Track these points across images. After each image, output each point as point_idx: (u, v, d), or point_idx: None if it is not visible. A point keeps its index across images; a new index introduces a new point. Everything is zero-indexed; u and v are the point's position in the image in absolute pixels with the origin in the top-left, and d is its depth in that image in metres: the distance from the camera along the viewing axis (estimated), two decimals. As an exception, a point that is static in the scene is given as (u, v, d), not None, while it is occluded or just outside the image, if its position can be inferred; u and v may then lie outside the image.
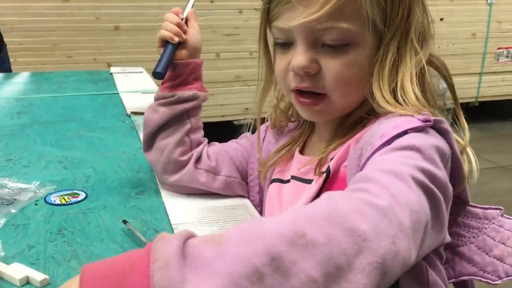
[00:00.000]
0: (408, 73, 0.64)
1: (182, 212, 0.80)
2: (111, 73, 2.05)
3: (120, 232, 0.73)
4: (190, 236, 0.41)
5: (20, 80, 1.95)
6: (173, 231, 0.73)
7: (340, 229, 0.40)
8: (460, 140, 0.65)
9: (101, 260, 0.41)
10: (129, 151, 1.09)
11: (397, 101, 0.63)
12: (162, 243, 0.39)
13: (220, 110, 3.59)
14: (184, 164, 0.83)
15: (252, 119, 0.82)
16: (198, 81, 0.85)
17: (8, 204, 0.79)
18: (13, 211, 0.78)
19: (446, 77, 0.69)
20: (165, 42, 0.82)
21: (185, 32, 0.82)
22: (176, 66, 0.83)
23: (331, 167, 0.67)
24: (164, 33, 0.81)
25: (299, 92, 0.68)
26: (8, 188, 0.85)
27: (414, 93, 0.63)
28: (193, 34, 0.84)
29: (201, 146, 0.85)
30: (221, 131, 0.89)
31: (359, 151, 0.62)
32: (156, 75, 0.79)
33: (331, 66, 0.64)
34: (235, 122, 3.67)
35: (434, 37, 0.69)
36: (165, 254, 0.38)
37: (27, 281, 0.61)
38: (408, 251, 0.43)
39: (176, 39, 0.81)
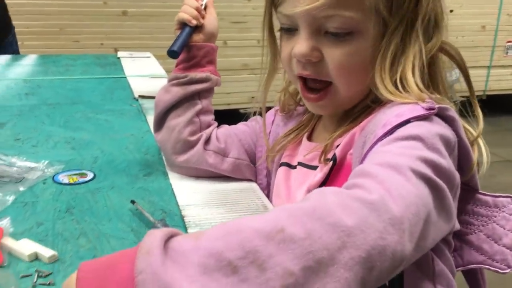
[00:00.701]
0: (410, 64, 0.63)
1: (190, 194, 0.80)
2: (118, 58, 2.04)
3: (128, 212, 0.73)
4: (176, 233, 0.43)
5: (28, 62, 1.95)
6: (180, 212, 0.74)
7: (322, 224, 0.41)
8: (472, 131, 0.65)
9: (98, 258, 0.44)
10: (136, 134, 1.09)
11: (399, 90, 0.62)
12: (148, 237, 0.42)
13: (226, 98, 3.59)
14: (193, 144, 0.83)
15: (259, 108, 0.82)
16: (211, 64, 0.85)
17: (16, 182, 0.80)
18: (21, 189, 0.78)
19: (460, 65, 0.67)
20: (182, 25, 0.83)
21: (203, 17, 0.84)
22: (191, 48, 0.84)
23: (337, 154, 0.67)
24: (183, 15, 0.82)
25: (304, 81, 0.68)
26: (17, 167, 0.85)
27: (416, 84, 0.62)
28: (211, 20, 0.85)
29: (210, 128, 0.85)
30: (227, 119, 0.89)
31: (363, 139, 0.61)
32: (170, 53, 0.80)
33: (334, 54, 0.64)
34: (241, 111, 3.66)
35: (447, 24, 0.68)
36: (148, 243, 0.41)
37: (35, 257, 0.61)
38: (400, 245, 0.43)
39: (194, 22, 0.82)
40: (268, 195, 0.82)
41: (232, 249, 0.39)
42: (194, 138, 0.83)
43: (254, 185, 0.85)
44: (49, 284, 0.56)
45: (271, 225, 0.41)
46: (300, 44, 0.64)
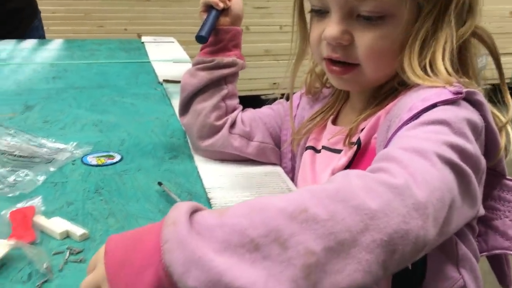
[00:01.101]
0: (441, 48, 0.62)
1: (215, 177, 0.81)
2: (142, 42, 2.06)
3: (155, 193, 0.75)
4: (200, 208, 0.44)
5: (54, 47, 1.97)
6: (206, 194, 0.74)
7: (345, 206, 0.41)
8: (501, 117, 0.64)
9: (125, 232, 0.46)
10: (161, 117, 1.10)
11: (427, 74, 0.61)
12: (173, 209, 0.43)
13: (248, 84, 3.58)
14: (219, 129, 0.84)
15: (280, 94, 0.82)
16: (237, 48, 0.86)
17: (47, 163, 0.81)
18: (52, 169, 0.80)
19: (492, 50, 0.66)
20: (209, 8, 0.83)
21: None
22: (217, 32, 0.84)
23: (361, 138, 0.67)
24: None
25: (331, 61, 0.67)
26: (47, 148, 0.87)
27: (445, 68, 0.61)
28: (237, 2, 0.85)
29: (235, 112, 0.86)
30: (249, 105, 0.89)
31: (388, 123, 0.61)
32: (199, 38, 0.80)
33: (365, 38, 0.63)
34: (263, 97, 3.66)
35: (481, 8, 0.67)
36: (174, 215, 0.42)
37: (67, 235, 0.62)
38: (423, 230, 0.43)
39: (221, 5, 0.82)
40: (292, 179, 0.82)
41: (256, 226, 0.40)
42: (220, 122, 0.84)
43: (279, 168, 0.85)
44: (80, 261, 0.58)
45: (294, 205, 0.41)
46: (331, 27, 0.64)
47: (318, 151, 0.77)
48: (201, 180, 0.79)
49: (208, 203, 0.72)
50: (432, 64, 0.62)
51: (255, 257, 0.39)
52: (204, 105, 0.84)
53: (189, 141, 0.92)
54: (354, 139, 0.68)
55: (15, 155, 0.82)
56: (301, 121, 0.81)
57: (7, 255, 0.57)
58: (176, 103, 1.18)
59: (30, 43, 1.96)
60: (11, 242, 0.58)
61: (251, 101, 0.92)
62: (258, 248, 0.39)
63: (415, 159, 0.47)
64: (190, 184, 0.78)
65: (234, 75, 0.86)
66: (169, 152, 0.91)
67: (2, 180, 0.74)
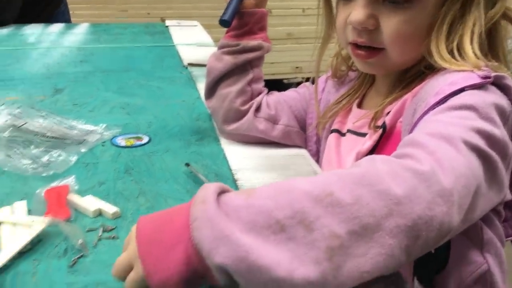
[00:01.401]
0: (469, 31, 0.61)
1: (241, 159, 0.82)
2: (166, 26, 2.07)
3: (183, 174, 0.76)
4: (227, 189, 0.46)
5: (80, 31, 2.00)
6: (233, 176, 0.76)
7: (370, 191, 0.42)
8: None
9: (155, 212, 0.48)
10: (187, 100, 1.12)
11: (455, 58, 0.61)
12: (202, 189, 0.45)
13: (270, 68, 3.58)
14: (244, 113, 0.85)
15: (303, 78, 0.82)
16: (263, 31, 0.85)
17: (78, 144, 0.84)
18: (83, 150, 0.82)
19: None
20: None
21: None
22: (242, 15, 0.83)
23: (387, 122, 0.67)
24: None
25: (356, 45, 0.68)
26: (77, 130, 0.89)
27: (473, 51, 0.60)
28: None
29: (261, 96, 0.86)
30: (271, 89, 0.89)
31: (414, 107, 0.61)
32: (223, 23, 0.80)
33: (391, 22, 0.63)
34: (285, 81, 3.66)
35: None
36: (203, 194, 0.44)
37: (99, 213, 0.65)
38: (447, 216, 0.43)
39: None
40: (317, 162, 0.83)
41: (281, 208, 0.41)
42: (245, 107, 0.85)
43: (304, 151, 0.86)
44: (113, 238, 0.60)
45: (320, 188, 0.42)
46: (357, 11, 0.64)
47: (343, 134, 0.78)
48: (227, 161, 0.81)
49: (234, 184, 0.74)
50: (459, 48, 0.61)
51: (280, 238, 0.40)
52: (229, 90, 0.85)
53: (214, 123, 0.93)
54: (380, 123, 0.68)
55: (47, 136, 0.84)
56: (327, 104, 0.82)
57: (43, 231, 0.59)
58: (201, 86, 1.20)
59: (57, 27, 1.99)
60: (48, 218, 0.60)
61: (274, 85, 0.92)
62: (284, 230, 0.40)
63: (442, 145, 0.47)
64: (216, 165, 0.80)
65: (260, 59, 0.86)
66: (196, 135, 0.92)
67: (36, 160, 0.77)
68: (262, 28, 0.86)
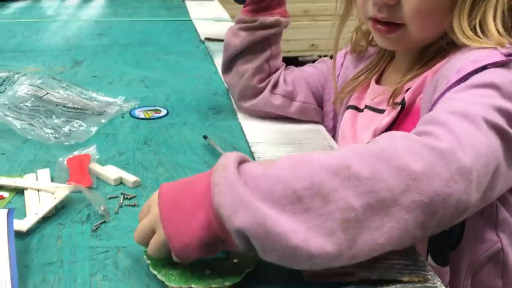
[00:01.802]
0: (492, 8, 0.60)
1: (258, 132, 0.83)
2: (183, 1, 2.07)
3: (201, 146, 0.78)
4: (247, 159, 0.46)
5: (97, 4, 2.01)
6: (250, 148, 0.77)
7: (388, 167, 0.42)
8: None
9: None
10: (204, 75, 1.12)
11: (477, 35, 0.60)
12: (223, 158, 0.46)
13: (285, 45, 3.49)
14: (261, 90, 0.85)
15: (318, 55, 0.81)
16: (281, 6, 0.84)
17: (98, 115, 0.85)
18: (103, 121, 0.84)
19: None
20: None
21: None
22: None
23: (406, 98, 0.66)
24: None
25: (377, 20, 0.67)
26: (97, 101, 0.91)
27: (497, 29, 0.59)
28: None
29: (278, 72, 0.87)
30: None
31: (435, 84, 0.60)
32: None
33: None
34: (300, 58, 3.63)
35: None
36: (223, 162, 0.45)
37: (120, 182, 0.66)
38: (465, 194, 0.43)
39: None
40: (334, 137, 0.84)
41: (299, 179, 0.42)
42: (262, 84, 0.85)
43: (320, 127, 0.87)
44: (134, 206, 0.61)
45: (338, 161, 0.43)
46: None
47: (361, 110, 0.78)
48: (244, 135, 0.82)
49: (251, 156, 0.75)
50: (482, 25, 0.60)
51: (296, 208, 0.41)
52: (246, 67, 0.85)
53: (231, 98, 0.94)
54: (399, 100, 0.68)
55: (68, 107, 0.86)
56: (345, 80, 0.82)
57: (67, 198, 0.61)
58: (218, 61, 1.20)
59: (74, 0, 2.00)
60: (71, 185, 0.62)
61: (289, 63, 0.92)
62: (300, 200, 0.41)
63: (462, 123, 0.47)
64: (233, 138, 0.81)
65: (278, 35, 0.86)
66: (213, 108, 0.93)
67: (58, 130, 0.79)
68: (280, 3, 0.84)
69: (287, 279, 0.47)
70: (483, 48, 0.58)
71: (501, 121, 0.49)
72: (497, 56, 0.56)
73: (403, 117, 0.67)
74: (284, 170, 0.43)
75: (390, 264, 0.49)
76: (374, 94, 0.75)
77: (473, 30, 0.61)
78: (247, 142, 0.79)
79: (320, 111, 0.88)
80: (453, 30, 0.62)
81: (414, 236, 0.43)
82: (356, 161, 0.42)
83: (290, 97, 0.86)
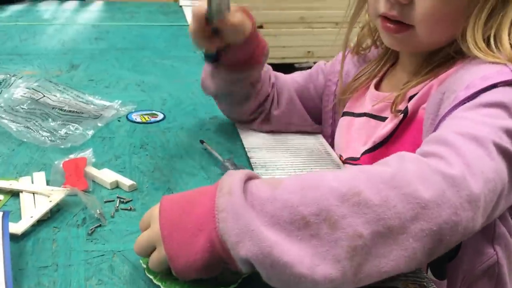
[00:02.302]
0: (508, 21, 0.58)
1: (255, 137, 0.83)
2: (180, 6, 2.07)
3: (197, 151, 0.78)
4: (253, 176, 0.46)
5: (94, 9, 2.01)
6: (246, 153, 0.77)
7: (398, 193, 0.41)
8: None
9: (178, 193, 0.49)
10: (201, 80, 1.12)
11: (490, 48, 0.58)
12: (228, 177, 0.45)
13: (281, 52, 3.56)
14: (253, 119, 0.84)
15: (314, 62, 0.80)
16: (259, 56, 0.76)
17: (95, 118, 0.85)
18: (99, 124, 0.84)
19: None
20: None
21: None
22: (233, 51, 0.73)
23: (409, 107, 0.65)
24: (194, 43, 0.70)
25: (386, 18, 0.65)
26: (94, 105, 0.91)
27: (510, 44, 0.58)
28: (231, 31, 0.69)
29: (269, 99, 0.83)
30: (282, 73, 0.88)
31: (440, 96, 0.59)
32: (208, 57, 0.74)
33: (425, 0, 0.60)
34: (296, 65, 3.64)
35: None
36: (229, 184, 0.43)
37: (116, 185, 0.66)
38: (472, 221, 0.43)
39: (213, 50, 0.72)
40: (332, 144, 0.83)
41: (307, 204, 0.41)
42: (252, 116, 0.83)
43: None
44: (130, 209, 0.61)
45: (347, 187, 0.42)
46: None
47: (358, 115, 0.77)
48: (241, 140, 0.82)
49: (248, 161, 0.75)
50: (496, 37, 0.59)
51: (303, 234, 0.40)
52: (230, 108, 0.83)
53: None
54: (401, 107, 0.67)
55: (64, 110, 0.86)
56: (346, 81, 0.80)
57: (62, 201, 0.61)
58: (215, 66, 1.20)
59: (71, 4, 2.00)
60: (66, 189, 0.62)
61: (284, 70, 0.91)
62: (308, 226, 0.40)
63: (471, 146, 0.46)
64: (230, 143, 0.81)
65: (261, 71, 0.80)
66: (210, 113, 0.93)
67: (54, 133, 0.78)
68: (256, 55, 0.76)
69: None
70: (494, 63, 0.56)
71: (508, 144, 0.48)
72: (507, 74, 0.54)
73: (405, 126, 0.66)
74: (291, 194, 0.42)
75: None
76: (374, 100, 0.73)
77: (486, 41, 0.59)
78: (243, 147, 0.79)
79: (319, 127, 0.87)
80: (465, 40, 0.60)
81: (420, 262, 0.42)
82: (366, 187, 0.42)
83: (286, 123, 0.84)
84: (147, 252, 0.47)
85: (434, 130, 0.55)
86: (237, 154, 0.77)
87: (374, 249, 0.40)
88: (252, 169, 0.72)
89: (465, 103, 0.53)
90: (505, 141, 0.48)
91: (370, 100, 0.75)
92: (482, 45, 0.59)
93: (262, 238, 0.40)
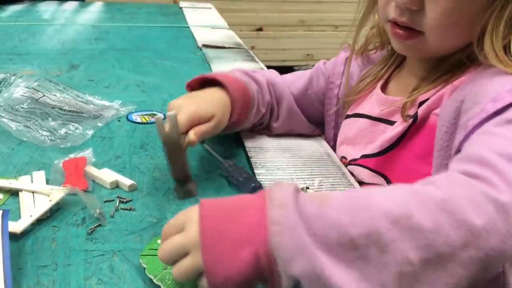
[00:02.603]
0: None
1: (256, 138, 0.83)
2: (180, 7, 2.07)
3: (197, 151, 0.77)
4: (299, 189, 0.44)
5: (94, 9, 2.01)
6: (247, 153, 0.77)
7: (451, 219, 0.40)
8: None
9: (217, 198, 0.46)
10: (202, 81, 1.12)
11: (510, 59, 0.56)
12: (278, 187, 0.43)
13: (281, 55, 3.57)
14: (253, 129, 0.84)
15: (313, 65, 0.80)
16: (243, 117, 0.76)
17: (95, 118, 0.85)
18: (99, 124, 0.83)
19: None
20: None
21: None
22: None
23: (419, 112, 0.64)
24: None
25: (396, 24, 0.64)
26: (94, 104, 0.90)
27: None
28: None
29: (267, 115, 0.82)
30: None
31: (457, 104, 0.57)
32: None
33: (436, 7, 0.59)
34: (296, 68, 3.65)
35: None
36: (282, 196, 0.41)
37: (116, 185, 0.66)
38: None
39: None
40: (333, 146, 0.83)
41: (357, 225, 0.39)
42: (252, 128, 0.83)
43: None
44: (130, 209, 0.61)
45: (400, 210, 0.40)
46: None
47: (361, 117, 0.76)
48: (241, 140, 0.82)
49: (248, 162, 0.75)
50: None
51: (351, 256, 0.39)
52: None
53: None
54: (411, 112, 0.66)
55: (64, 110, 0.85)
56: (350, 82, 0.79)
57: (62, 200, 0.60)
58: (215, 68, 1.21)
59: (71, 5, 2.00)
60: (66, 188, 0.62)
61: (284, 72, 0.91)
62: (356, 248, 0.39)
63: None
64: (231, 145, 0.81)
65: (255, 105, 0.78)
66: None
67: (54, 132, 0.78)
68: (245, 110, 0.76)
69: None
70: None
71: None
72: None
73: (414, 131, 0.65)
74: (340, 214, 0.40)
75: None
76: (380, 103, 0.72)
77: (503, 50, 0.57)
78: (244, 149, 0.79)
79: (319, 130, 0.86)
80: (482, 49, 0.58)
81: None
82: (418, 211, 0.40)
83: (289, 130, 0.84)
84: (175, 258, 0.44)
85: (461, 141, 0.53)
86: (238, 156, 0.77)
87: (421, 276, 0.39)
88: (252, 169, 0.72)
89: (494, 117, 0.51)
90: None
91: (378, 104, 0.73)
92: (503, 56, 0.57)
93: (315, 258, 0.38)
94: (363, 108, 0.77)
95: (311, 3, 3.45)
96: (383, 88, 0.75)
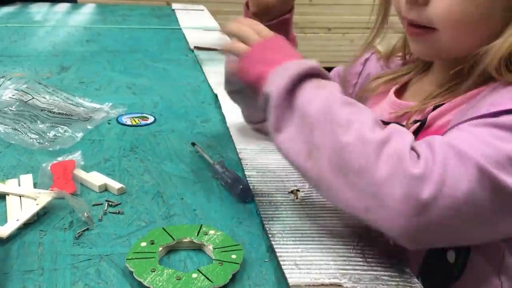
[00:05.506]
0: None
1: (247, 140, 0.82)
2: (173, 9, 2.07)
3: (188, 154, 0.77)
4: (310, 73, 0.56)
5: (86, 11, 2.00)
6: (238, 155, 0.76)
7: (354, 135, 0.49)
8: None
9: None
10: (193, 83, 1.12)
11: None
12: (306, 61, 0.58)
13: (275, 57, 3.55)
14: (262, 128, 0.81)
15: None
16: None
17: (84, 121, 0.84)
18: (89, 127, 0.83)
19: None
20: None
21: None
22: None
23: (429, 118, 0.62)
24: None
25: (410, 23, 0.62)
26: (84, 107, 0.90)
27: None
28: None
29: None
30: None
31: (465, 113, 0.56)
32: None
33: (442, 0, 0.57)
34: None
35: None
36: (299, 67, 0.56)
37: (105, 189, 0.65)
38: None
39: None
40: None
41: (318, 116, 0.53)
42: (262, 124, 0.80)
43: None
44: (118, 213, 0.60)
45: (341, 117, 0.51)
46: None
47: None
48: (233, 142, 0.81)
49: (239, 163, 0.74)
50: None
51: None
52: (249, 105, 0.79)
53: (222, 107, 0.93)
54: (419, 118, 0.64)
55: (54, 112, 0.85)
56: (367, 77, 0.78)
57: (49, 204, 0.60)
58: (207, 70, 1.20)
59: (63, 6, 1.99)
60: (54, 191, 0.61)
61: None
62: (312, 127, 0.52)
63: (452, 162, 0.46)
64: (221, 146, 0.80)
65: None
66: (201, 116, 0.92)
67: (43, 135, 0.77)
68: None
69: (270, 279, 0.47)
70: None
71: (504, 172, 0.46)
72: None
73: (421, 136, 0.62)
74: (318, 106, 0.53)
75: (376, 276, 0.49)
76: (392, 107, 0.70)
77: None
78: (235, 150, 0.79)
79: None
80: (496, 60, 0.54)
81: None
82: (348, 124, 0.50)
83: None
84: (241, 33, 0.64)
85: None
86: (228, 157, 0.76)
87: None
88: (243, 171, 0.72)
89: (481, 118, 0.51)
90: (500, 168, 0.46)
91: (389, 108, 0.71)
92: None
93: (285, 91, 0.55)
94: (374, 112, 0.75)
95: (304, 5, 3.44)
96: (399, 93, 0.73)
